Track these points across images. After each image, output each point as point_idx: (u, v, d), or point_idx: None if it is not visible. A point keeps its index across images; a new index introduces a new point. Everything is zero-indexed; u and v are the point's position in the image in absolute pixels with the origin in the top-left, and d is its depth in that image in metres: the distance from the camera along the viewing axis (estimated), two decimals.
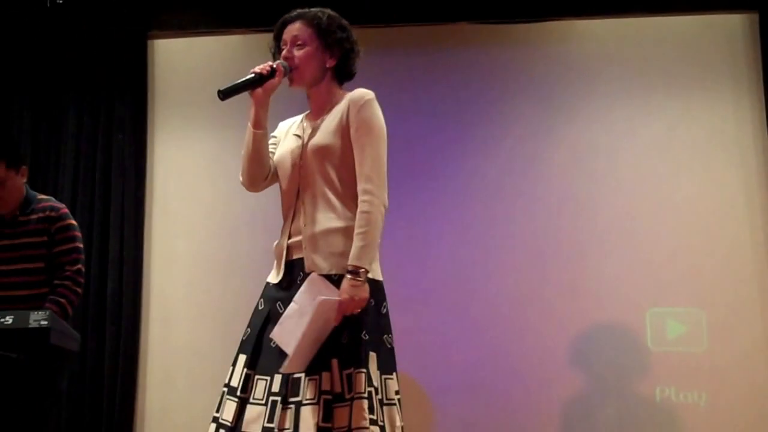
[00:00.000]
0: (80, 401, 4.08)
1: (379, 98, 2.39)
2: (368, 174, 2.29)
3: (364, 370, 2.20)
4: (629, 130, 4.28)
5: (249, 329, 2.34)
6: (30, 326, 2.64)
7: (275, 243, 2.42)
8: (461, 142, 4.33)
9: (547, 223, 4.22)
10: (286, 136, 2.48)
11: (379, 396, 2.25)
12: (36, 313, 2.66)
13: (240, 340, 2.36)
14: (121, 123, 4.36)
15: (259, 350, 2.28)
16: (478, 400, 4.10)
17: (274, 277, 2.38)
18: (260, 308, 2.38)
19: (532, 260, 4.19)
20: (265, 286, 2.41)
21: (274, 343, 2.25)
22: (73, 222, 3.33)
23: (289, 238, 2.35)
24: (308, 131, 2.42)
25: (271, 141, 2.49)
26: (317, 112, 2.45)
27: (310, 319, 2.14)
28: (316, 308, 2.15)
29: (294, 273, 2.31)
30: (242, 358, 2.29)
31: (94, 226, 4.23)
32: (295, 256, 2.33)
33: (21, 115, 4.36)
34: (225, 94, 2.26)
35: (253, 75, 2.31)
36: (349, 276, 2.20)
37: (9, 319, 2.63)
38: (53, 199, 3.40)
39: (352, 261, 2.21)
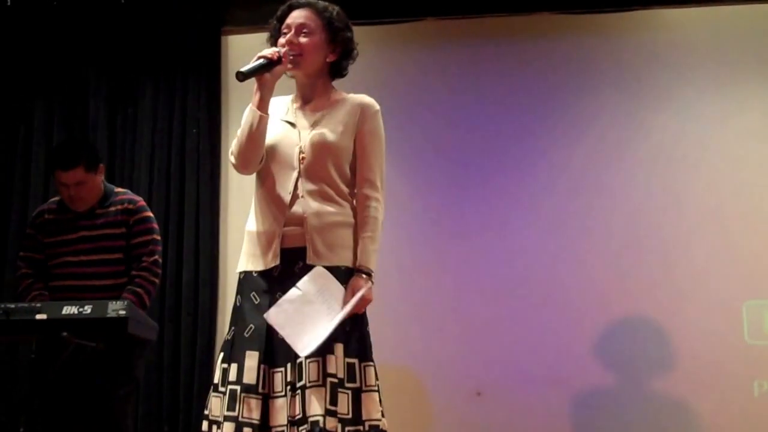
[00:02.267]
0: (158, 391, 4.14)
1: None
2: (374, 181, 2.38)
3: (373, 364, 2.30)
4: (720, 119, 4.21)
5: (252, 325, 2.27)
6: (108, 316, 2.68)
7: (258, 229, 2.35)
8: (546, 132, 4.32)
9: (635, 214, 4.17)
10: (274, 120, 2.39)
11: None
12: (114, 302, 2.71)
13: (225, 336, 2.36)
14: (195, 117, 4.40)
15: (270, 345, 2.25)
16: (568, 393, 4.07)
17: (258, 265, 2.33)
18: (256, 302, 2.30)
19: (622, 251, 4.14)
20: (247, 278, 2.35)
21: (280, 336, 2.23)
22: (151, 214, 3.39)
23: (285, 226, 2.30)
24: (304, 122, 2.39)
25: None
26: (312, 104, 2.42)
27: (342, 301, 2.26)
28: (311, 274, 2.24)
29: (292, 262, 2.29)
30: (253, 354, 2.24)
31: (170, 217, 4.28)
32: (292, 245, 2.30)
33: (96, 110, 4.41)
34: (245, 76, 2.28)
35: (263, 60, 2.30)
36: (364, 275, 2.31)
37: (88, 309, 2.68)
38: (130, 192, 3.46)
39: (365, 263, 2.32)
